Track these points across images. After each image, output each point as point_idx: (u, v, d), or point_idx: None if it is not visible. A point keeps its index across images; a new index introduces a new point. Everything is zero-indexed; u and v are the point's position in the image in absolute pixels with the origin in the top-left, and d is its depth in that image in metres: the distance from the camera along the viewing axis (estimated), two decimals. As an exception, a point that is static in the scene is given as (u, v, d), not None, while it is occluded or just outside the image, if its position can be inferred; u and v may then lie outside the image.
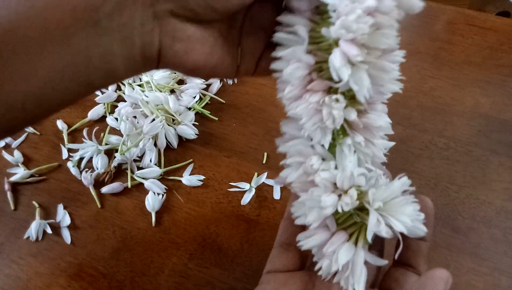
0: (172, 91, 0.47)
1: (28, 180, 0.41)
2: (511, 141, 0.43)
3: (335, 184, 0.25)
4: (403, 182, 0.25)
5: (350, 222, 0.25)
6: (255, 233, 0.37)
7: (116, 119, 0.44)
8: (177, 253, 0.36)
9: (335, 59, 0.22)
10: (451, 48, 0.52)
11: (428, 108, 0.46)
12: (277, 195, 0.39)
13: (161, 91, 0.45)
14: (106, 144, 0.43)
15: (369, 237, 0.23)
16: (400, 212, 0.23)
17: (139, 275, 0.35)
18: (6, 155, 0.42)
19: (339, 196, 0.24)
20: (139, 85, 0.47)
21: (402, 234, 0.25)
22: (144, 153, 0.42)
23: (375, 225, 0.23)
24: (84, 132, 0.43)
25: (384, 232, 0.23)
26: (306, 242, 0.25)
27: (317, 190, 0.25)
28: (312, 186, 0.25)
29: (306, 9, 0.26)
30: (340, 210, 0.24)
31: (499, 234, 0.36)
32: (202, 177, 0.41)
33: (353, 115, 0.24)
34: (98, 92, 0.47)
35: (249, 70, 0.29)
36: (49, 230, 0.37)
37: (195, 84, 0.47)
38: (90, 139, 0.42)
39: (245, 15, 0.29)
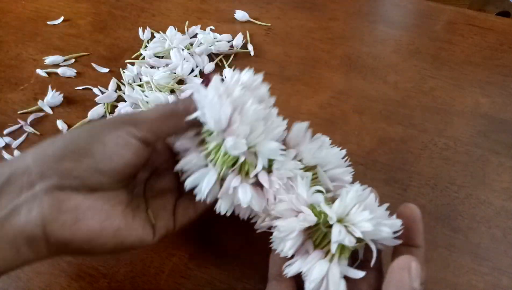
0: (172, 91, 0.47)
1: (28, 180, 0.41)
2: (511, 141, 0.43)
3: (294, 210, 0.27)
4: (355, 190, 0.26)
5: (326, 241, 0.26)
6: (255, 233, 0.37)
7: (116, 119, 0.44)
8: (177, 253, 0.36)
9: (228, 144, 0.26)
10: (451, 48, 0.52)
11: (428, 108, 0.46)
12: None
13: (161, 91, 0.45)
14: (106, 144, 0.43)
15: (333, 249, 0.24)
16: (359, 219, 0.24)
17: (139, 275, 0.35)
18: (6, 155, 0.42)
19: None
20: (139, 85, 0.47)
21: (395, 245, 0.26)
22: (144, 153, 0.42)
23: (337, 236, 0.24)
24: (84, 132, 0.43)
25: (347, 241, 0.24)
26: (289, 270, 0.26)
27: (278, 220, 0.27)
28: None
29: (192, 145, 0.29)
30: (298, 229, 0.25)
31: (499, 234, 0.36)
32: (202, 177, 0.41)
33: (320, 197, 0.27)
34: (98, 92, 0.47)
35: (168, 227, 0.30)
36: (49, 230, 0.37)
37: (195, 84, 0.47)
38: (90, 139, 0.42)
39: (146, 182, 0.30)
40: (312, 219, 0.25)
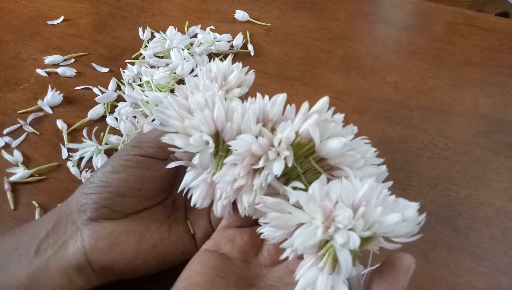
0: (172, 91, 0.47)
1: (28, 180, 0.41)
2: (511, 141, 0.43)
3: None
4: (320, 181, 0.23)
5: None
6: None
7: (116, 118, 0.44)
8: None
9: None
10: (451, 49, 0.52)
11: (428, 108, 0.46)
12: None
13: (161, 91, 0.45)
14: (106, 143, 0.43)
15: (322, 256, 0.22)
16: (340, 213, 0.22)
17: (139, 275, 0.35)
18: (6, 155, 0.42)
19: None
20: (139, 85, 0.47)
21: None
22: (144, 153, 0.42)
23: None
24: (84, 132, 0.43)
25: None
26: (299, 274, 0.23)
27: (265, 227, 0.26)
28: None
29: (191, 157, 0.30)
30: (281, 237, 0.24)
31: (499, 234, 0.36)
32: (202, 177, 0.41)
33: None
34: (97, 92, 0.47)
35: (209, 233, 0.31)
36: (49, 230, 0.37)
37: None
38: (90, 139, 0.42)
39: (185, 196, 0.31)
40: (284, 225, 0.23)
